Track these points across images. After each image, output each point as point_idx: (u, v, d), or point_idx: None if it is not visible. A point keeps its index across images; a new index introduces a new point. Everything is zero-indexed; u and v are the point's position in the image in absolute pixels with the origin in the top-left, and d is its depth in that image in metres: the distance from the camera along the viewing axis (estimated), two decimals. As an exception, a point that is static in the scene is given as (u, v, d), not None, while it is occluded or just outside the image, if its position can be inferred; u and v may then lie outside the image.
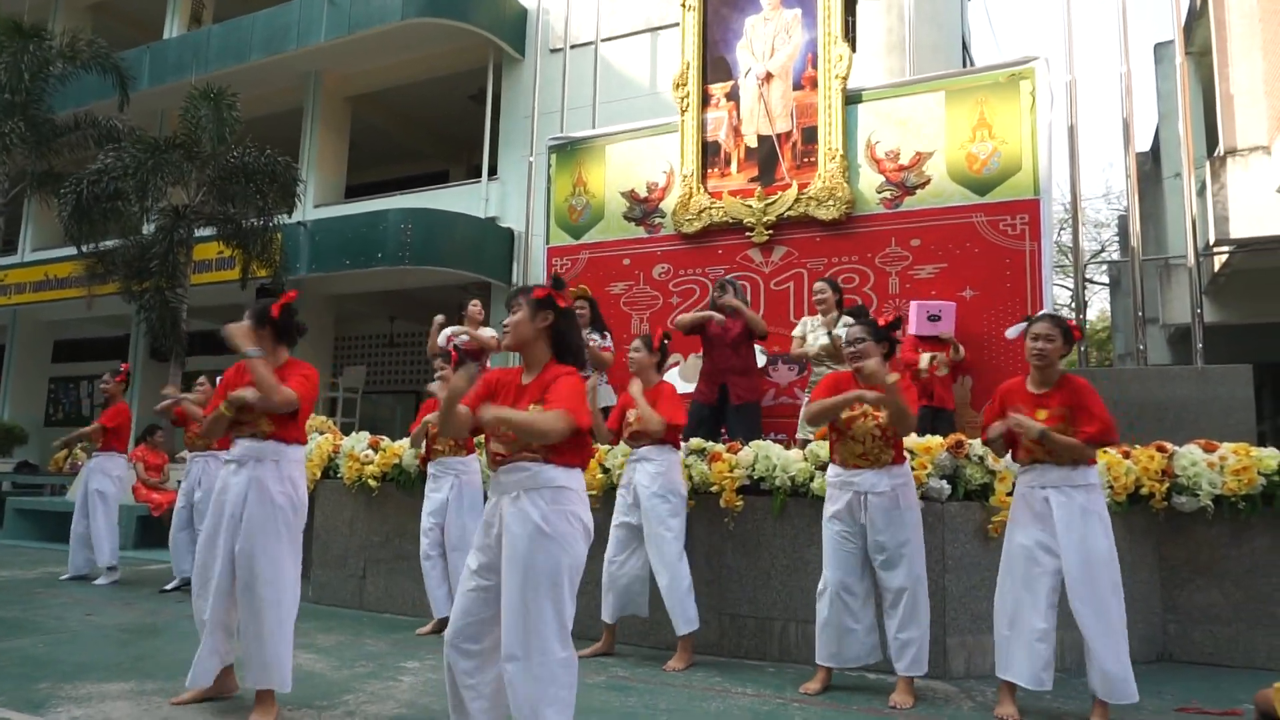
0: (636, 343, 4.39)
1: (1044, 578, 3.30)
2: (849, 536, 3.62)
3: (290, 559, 3.21)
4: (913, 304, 5.69)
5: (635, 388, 4.17)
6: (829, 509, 3.69)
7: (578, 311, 5.74)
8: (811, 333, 5.64)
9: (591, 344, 5.45)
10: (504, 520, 2.44)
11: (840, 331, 4.97)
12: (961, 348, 5.51)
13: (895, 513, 3.56)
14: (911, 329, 5.57)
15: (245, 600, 3.14)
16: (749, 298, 6.35)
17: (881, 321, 3.74)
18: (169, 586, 5.94)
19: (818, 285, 5.64)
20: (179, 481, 6.47)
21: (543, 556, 2.37)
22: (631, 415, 4.19)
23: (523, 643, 2.34)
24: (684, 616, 4.04)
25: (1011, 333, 3.59)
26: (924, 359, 5.43)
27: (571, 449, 2.48)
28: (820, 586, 3.70)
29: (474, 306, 6.50)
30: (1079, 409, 3.29)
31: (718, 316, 5.33)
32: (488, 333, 6.43)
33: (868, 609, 3.66)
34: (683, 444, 4.66)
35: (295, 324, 3.41)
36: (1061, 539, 3.27)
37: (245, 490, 3.19)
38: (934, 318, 5.55)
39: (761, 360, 6.02)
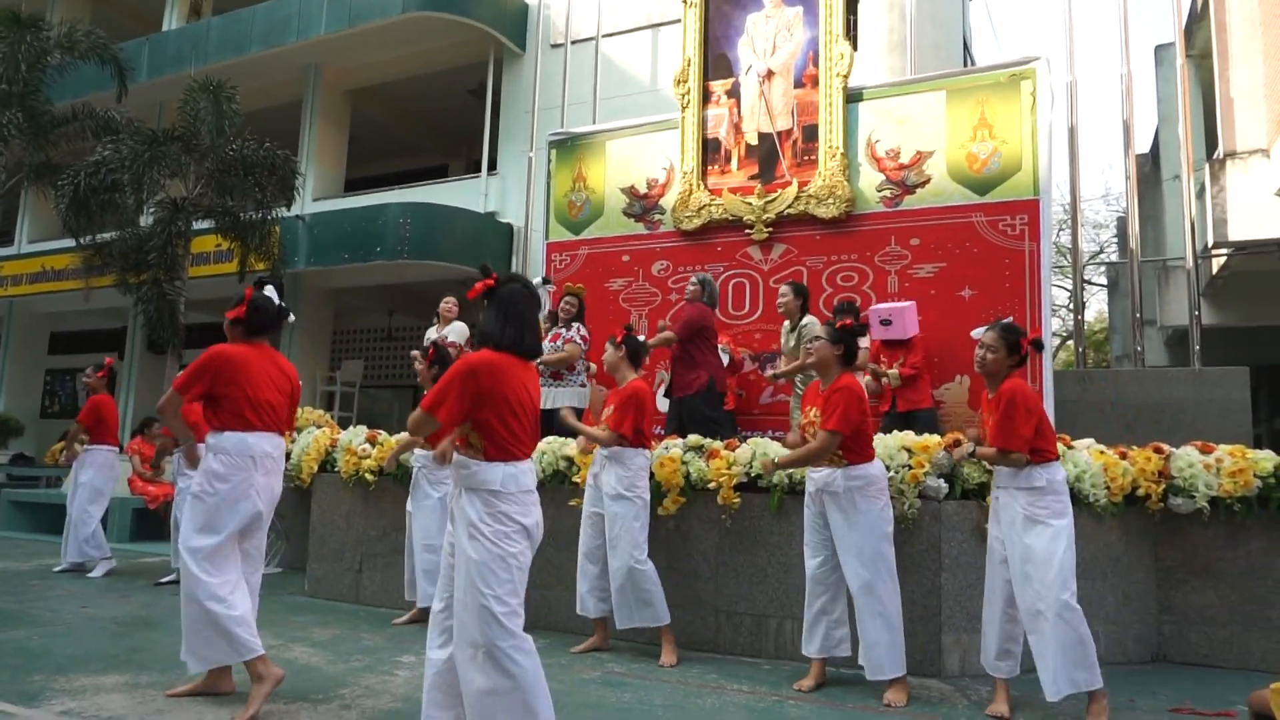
0: (607, 345, 4.44)
1: (997, 570, 3.45)
2: (818, 528, 3.75)
3: (191, 541, 3.19)
4: (870, 310, 5.68)
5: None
6: (806, 500, 3.84)
7: (563, 307, 5.90)
8: (783, 335, 5.72)
9: (549, 344, 5.71)
10: (452, 513, 2.59)
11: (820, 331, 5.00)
12: (895, 370, 5.47)
13: (850, 513, 3.62)
14: (874, 334, 5.57)
15: None
16: (747, 295, 6.39)
17: (846, 324, 3.81)
18: (165, 579, 5.93)
19: (781, 288, 5.69)
20: (174, 474, 6.47)
21: (476, 554, 2.48)
22: (606, 413, 4.31)
23: (465, 631, 2.46)
24: (632, 613, 4.08)
25: (975, 333, 3.63)
26: (885, 371, 5.43)
27: (493, 444, 2.54)
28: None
29: (446, 303, 6.68)
30: (998, 419, 3.38)
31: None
32: (458, 329, 6.56)
33: (837, 602, 3.72)
34: (681, 440, 4.67)
35: (257, 317, 3.45)
36: (1005, 538, 3.40)
37: None
38: (885, 322, 5.52)
39: (724, 359, 6.08)
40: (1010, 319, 3.79)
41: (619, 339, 4.35)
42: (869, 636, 3.56)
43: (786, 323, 5.74)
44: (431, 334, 6.62)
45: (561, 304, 6.04)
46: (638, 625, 4.12)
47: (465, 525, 2.51)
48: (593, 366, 6.04)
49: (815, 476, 3.73)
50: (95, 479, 6.39)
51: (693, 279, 5.79)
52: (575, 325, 5.94)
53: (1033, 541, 3.27)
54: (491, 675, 2.41)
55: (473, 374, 2.50)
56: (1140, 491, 4.31)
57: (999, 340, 3.47)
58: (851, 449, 3.64)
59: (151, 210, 10.78)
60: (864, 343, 5.15)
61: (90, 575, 6.15)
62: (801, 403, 3.98)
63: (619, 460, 4.17)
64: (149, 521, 8.30)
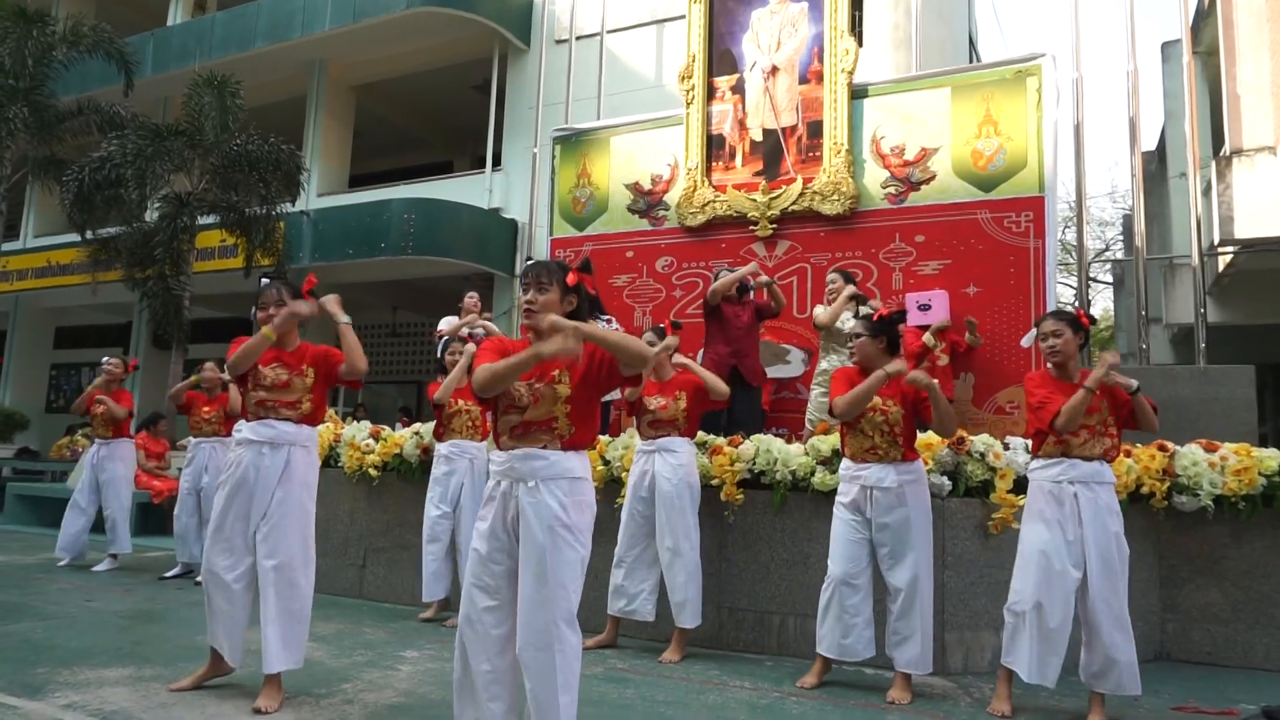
0: (649, 335, 4.40)
1: (1066, 572, 3.27)
2: (857, 527, 3.62)
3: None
4: (908, 297, 5.70)
5: (689, 365, 4.32)
6: (839, 499, 3.71)
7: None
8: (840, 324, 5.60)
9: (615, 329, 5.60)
10: (521, 509, 2.42)
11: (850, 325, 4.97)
12: (978, 335, 5.55)
13: (901, 509, 3.55)
14: (912, 320, 5.56)
15: None
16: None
17: (882, 314, 3.75)
18: (169, 574, 5.95)
19: (830, 275, 5.61)
20: (179, 469, 6.48)
21: (563, 548, 2.37)
22: (654, 403, 4.19)
23: (542, 632, 2.33)
24: (694, 610, 4.07)
25: (1026, 341, 3.58)
26: (927, 337, 5.39)
27: (586, 432, 2.50)
28: (827, 576, 3.69)
29: (471, 298, 6.59)
30: (1114, 403, 3.33)
31: (753, 272, 5.67)
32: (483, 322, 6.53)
33: (867, 603, 3.64)
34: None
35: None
36: (1088, 534, 3.28)
37: None
38: (924, 307, 5.54)
39: (801, 367, 6.10)
40: (1049, 308, 3.71)
41: (668, 330, 4.39)
42: (908, 632, 3.52)
43: (846, 313, 5.39)
44: (444, 326, 6.52)
45: None
46: (693, 626, 4.08)
47: (546, 520, 2.38)
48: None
49: (863, 474, 3.60)
50: (128, 472, 6.46)
51: (719, 272, 5.67)
52: (608, 318, 5.90)
53: (1121, 539, 3.26)
54: (563, 675, 2.32)
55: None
56: (1144, 489, 4.30)
57: (1062, 322, 3.39)
58: (906, 443, 3.61)
59: (156, 205, 10.81)
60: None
61: (95, 569, 6.17)
62: (851, 386, 3.60)
63: (672, 449, 4.13)
64: (153, 516, 8.32)
